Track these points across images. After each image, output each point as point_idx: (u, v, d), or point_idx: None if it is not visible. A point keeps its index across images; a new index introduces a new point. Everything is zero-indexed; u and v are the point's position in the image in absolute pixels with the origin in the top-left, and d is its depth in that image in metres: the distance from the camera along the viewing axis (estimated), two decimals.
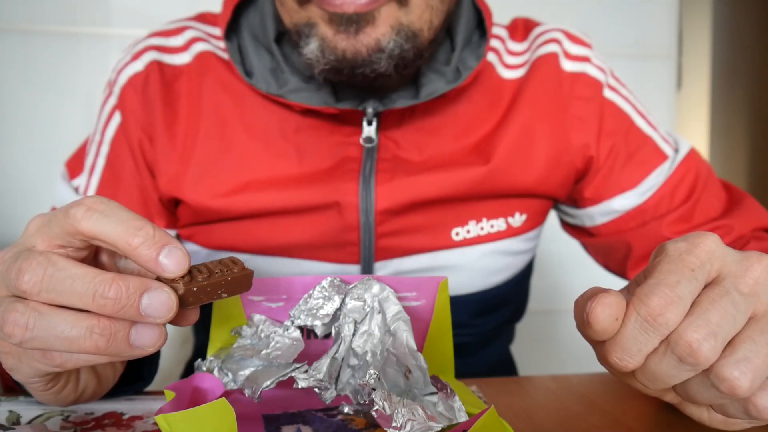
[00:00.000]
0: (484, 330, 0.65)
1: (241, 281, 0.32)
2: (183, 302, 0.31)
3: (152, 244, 0.29)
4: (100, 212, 0.29)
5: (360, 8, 0.46)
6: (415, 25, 0.48)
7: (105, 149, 0.58)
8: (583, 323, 0.30)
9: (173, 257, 0.29)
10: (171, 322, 0.31)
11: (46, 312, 0.29)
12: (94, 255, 0.33)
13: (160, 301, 0.29)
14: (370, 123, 0.53)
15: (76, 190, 0.59)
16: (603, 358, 0.31)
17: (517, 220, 0.60)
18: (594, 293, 0.30)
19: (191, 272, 0.31)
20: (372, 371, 0.33)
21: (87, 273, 0.29)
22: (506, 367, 0.72)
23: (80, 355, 0.30)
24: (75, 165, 0.61)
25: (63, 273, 0.29)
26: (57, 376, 0.34)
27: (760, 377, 0.28)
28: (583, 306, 0.30)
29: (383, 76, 0.49)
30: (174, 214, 0.60)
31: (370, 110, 0.53)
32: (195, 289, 0.30)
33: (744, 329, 0.29)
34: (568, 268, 1.25)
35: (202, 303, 0.31)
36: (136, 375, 0.42)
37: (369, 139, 0.53)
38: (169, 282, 0.30)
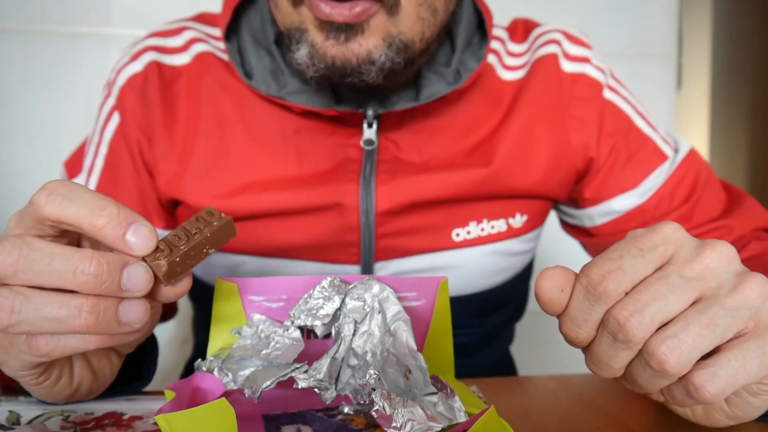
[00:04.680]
0: (484, 330, 0.65)
1: (223, 231, 0.32)
2: (171, 273, 0.31)
3: (117, 223, 0.29)
4: (62, 195, 0.29)
5: (349, 19, 0.45)
6: (406, 36, 0.48)
7: (104, 150, 0.58)
8: (536, 298, 0.32)
9: (140, 235, 0.30)
10: (166, 298, 0.32)
11: (31, 294, 0.29)
12: (76, 243, 0.33)
13: (139, 274, 0.30)
14: (370, 125, 0.53)
15: None
16: (563, 334, 0.32)
17: (518, 221, 0.60)
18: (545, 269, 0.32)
19: (170, 241, 0.31)
20: (372, 371, 0.33)
21: (64, 251, 0.29)
22: (506, 367, 0.72)
23: (68, 340, 0.30)
24: (73, 165, 0.61)
25: (38, 252, 0.29)
26: (48, 369, 0.34)
27: (689, 355, 0.28)
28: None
29: (394, 77, 0.50)
30: (173, 215, 0.60)
31: (370, 112, 0.53)
32: (178, 259, 0.31)
33: (684, 311, 0.29)
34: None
35: (192, 267, 0.32)
36: (136, 374, 0.42)
37: (369, 142, 0.53)
38: (151, 260, 0.30)
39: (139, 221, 0.30)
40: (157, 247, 0.31)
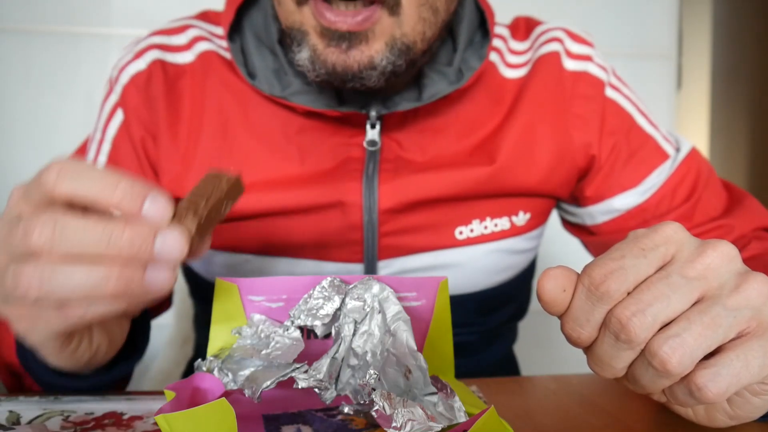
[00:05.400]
0: (487, 328, 0.65)
1: (234, 189, 0.33)
2: (199, 235, 0.31)
3: (133, 197, 0.30)
4: (72, 172, 0.30)
5: (354, 27, 0.45)
6: (408, 37, 0.48)
7: (106, 147, 0.58)
8: (538, 298, 0.32)
9: (157, 206, 0.30)
10: (190, 256, 0.32)
11: (60, 265, 0.29)
12: None
13: (173, 241, 0.30)
14: (373, 126, 0.53)
15: None
16: (565, 334, 0.32)
17: (521, 219, 0.60)
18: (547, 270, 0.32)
19: (187, 207, 0.31)
20: (372, 371, 0.33)
21: (97, 222, 0.29)
22: (509, 366, 0.72)
23: (98, 305, 0.30)
24: None
25: (72, 224, 0.29)
26: (71, 336, 0.34)
27: (692, 355, 0.28)
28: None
29: (395, 79, 0.50)
30: None
31: (373, 113, 0.53)
32: (203, 220, 0.31)
33: (686, 311, 0.29)
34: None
35: (213, 227, 0.33)
36: (132, 349, 0.43)
37: (372, 143, 0.53)
38: (179, 222, 0.31)
39: (154, 191, 0.30)
40: (175, 214, 0.31)
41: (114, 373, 0.42)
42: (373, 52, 0.47)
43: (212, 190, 0.32)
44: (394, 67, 0.48)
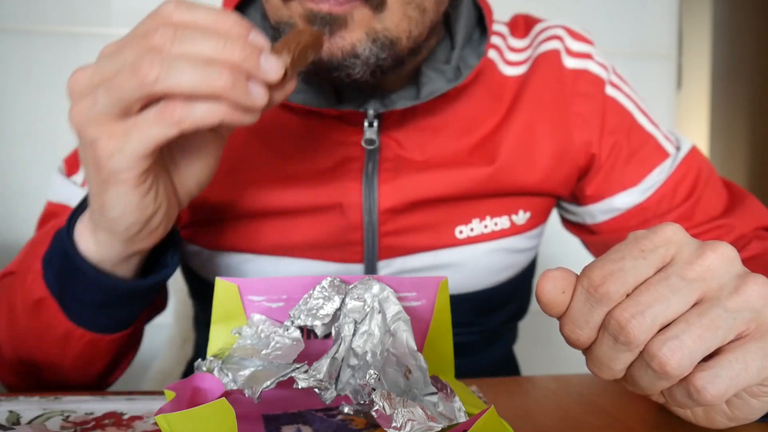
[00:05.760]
0: (487, 328, 0.65)
1: (318, 41, 0.40)
2: (291, 68, 0.36)
3: (241, 26, 0.34)
4: (188, 4, 0.33)
5: (333, 8, 0.45)
6: (391, 33, 0.47)
7: None
8: (537, 300, 0.32)
9: (260, 38, 0.34)
10: (279, 91, 0.36)
11: (177, 56, 0.32)
12: None
13: (273, 62, 0.34)
14: (371, 124, 0.53)
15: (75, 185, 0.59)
16: (564, 336, 0.32)
17: (521, 217, 0.60)
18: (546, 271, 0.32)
19: (280, 47, 0.36)
20: (372, 371, 0.33)
21: (213, 31, 0.33)
22: (509, 366, 0.72)
23: (198, 109, 0.33)
24: (74, 162, 0.60)
25: (192, 29, 0.33)
26: (149, 171, 0.36)
27: (691, 357, 0.28)
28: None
29: (382, 75, 0.49)
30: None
31: (371, 112, 0.53)
32: (296, 56, 0.36)
33: (685, 312, 0.29)
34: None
35: (299, 69, 0.37)
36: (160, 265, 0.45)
37: (370, 141, 0.53)
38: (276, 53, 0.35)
39: (257, 29, 0.34)
40: (272, 49, 0.35)
41: (148, 281, 0.43)
42: (355, 40, 0.46)
43: (301, 38, 0.37)
44: (377, 59, 0.47)
